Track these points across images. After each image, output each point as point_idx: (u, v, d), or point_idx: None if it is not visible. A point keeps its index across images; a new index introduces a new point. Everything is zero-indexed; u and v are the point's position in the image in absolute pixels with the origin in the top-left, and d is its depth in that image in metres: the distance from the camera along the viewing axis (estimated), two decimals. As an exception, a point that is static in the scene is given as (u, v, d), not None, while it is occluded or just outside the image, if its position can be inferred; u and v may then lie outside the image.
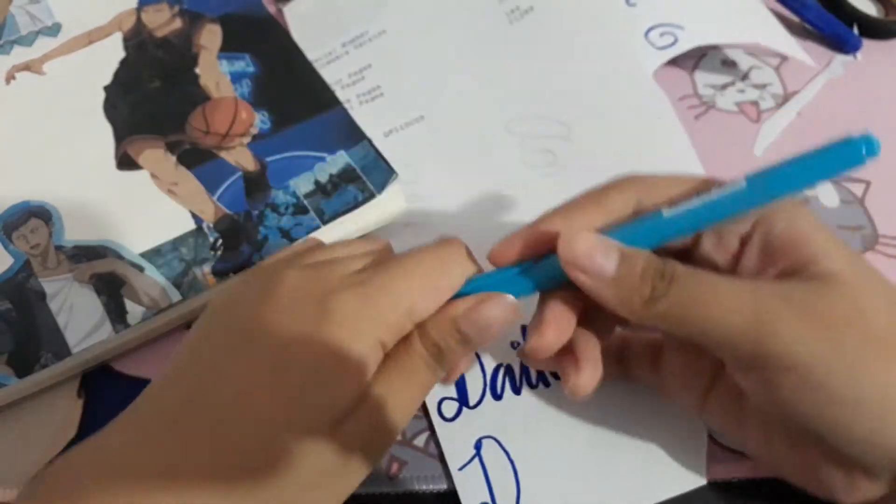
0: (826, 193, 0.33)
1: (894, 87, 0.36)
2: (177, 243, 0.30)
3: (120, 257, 0.30)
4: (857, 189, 0.33)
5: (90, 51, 0.36)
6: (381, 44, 0.37)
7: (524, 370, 0.29)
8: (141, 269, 0.29)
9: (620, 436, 0.27)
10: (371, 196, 0.30)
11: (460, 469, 0.27)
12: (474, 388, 0.28)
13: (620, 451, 0.27)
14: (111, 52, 0.36)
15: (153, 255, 0.30)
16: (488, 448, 0.27)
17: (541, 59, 0.36)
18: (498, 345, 0.29)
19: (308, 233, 0.30)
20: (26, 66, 0.36)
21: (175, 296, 0.29)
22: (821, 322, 0.20)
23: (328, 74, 0.36)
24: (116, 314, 0.29)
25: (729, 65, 0.36)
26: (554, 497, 0.26)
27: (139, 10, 0.37)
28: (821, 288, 0.20)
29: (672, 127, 0.33)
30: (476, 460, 0.27)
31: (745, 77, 0.37)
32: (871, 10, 0.39)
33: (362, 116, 0.34)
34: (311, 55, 0.37)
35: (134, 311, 0.29)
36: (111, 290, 0.29)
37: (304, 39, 0.37)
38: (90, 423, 0.29)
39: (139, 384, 0.30)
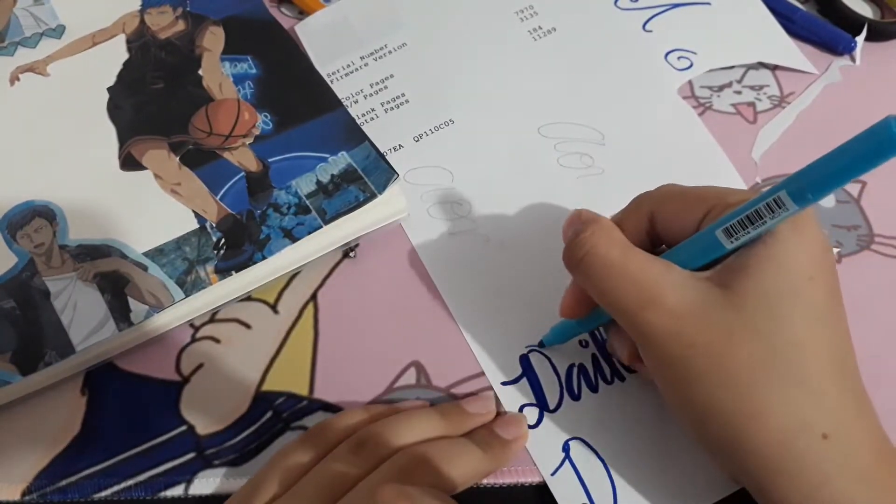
0: (822, 193, 0.33)
1: (893, 88, 0.37)
2: (180, 242, 0.30)
3: (123, 256, 0.30)
4: (854, 189, 0.33)
5: (94, 52, 0.37)
6: (403, 55, 0.37)
7: (597, 367, 0.29)
8: (144, 267, 0.30)
9: None
10: (372, 196, 0.31)
11: (553, 474, 0.27)
12: (552, 392, 0.29)
13: None
14: (115, 54, 0.36)
15: (156, 254, 0.30)
16: (577, 449, 0.28)
17: (568, 72, 0.37)
18: (567, 345, 0.30)
19: (310, 232, 0.30)
20: (30, 68, 0.36)
21: (178, 294, 0.29)
22: (681, 340, 0.22)
23: (347, 86, 0.37)
24: (120, 312, 0.29)
25: (726, 66, 0.37)
26: (651, 490, 0.27)
27: (143, 12, 0.38)
28: (718, 301, 0.22)
29: (702, 136, 0.34)
30: (567, 463, 0.27)
31: (741, 78, 0.37)
32: (868, 12, 0.39)
33: (389, 123, 0.35)
34: (327, 69, 0.37)
35: (137, 309, 0.29)
36: (115, 288, 0.29)
37: (318, 55, 0.38)
38: (94, 421, 0.29)
39: (142, 382, 0.30)
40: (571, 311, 0.26)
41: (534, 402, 0.29)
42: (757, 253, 0.21)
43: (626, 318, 0.23)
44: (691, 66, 0.36)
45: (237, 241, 0.30)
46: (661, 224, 0.25)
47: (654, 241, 0.26)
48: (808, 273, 0.21)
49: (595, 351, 0.30)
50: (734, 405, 0.21)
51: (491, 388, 0.29)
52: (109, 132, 0.34)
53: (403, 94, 0.36)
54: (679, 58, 0.37)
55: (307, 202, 0.31)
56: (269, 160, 0.32)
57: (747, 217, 0.21)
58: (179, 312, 0.30)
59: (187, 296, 0.29)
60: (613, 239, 0.23)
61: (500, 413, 0.28)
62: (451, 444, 0.26)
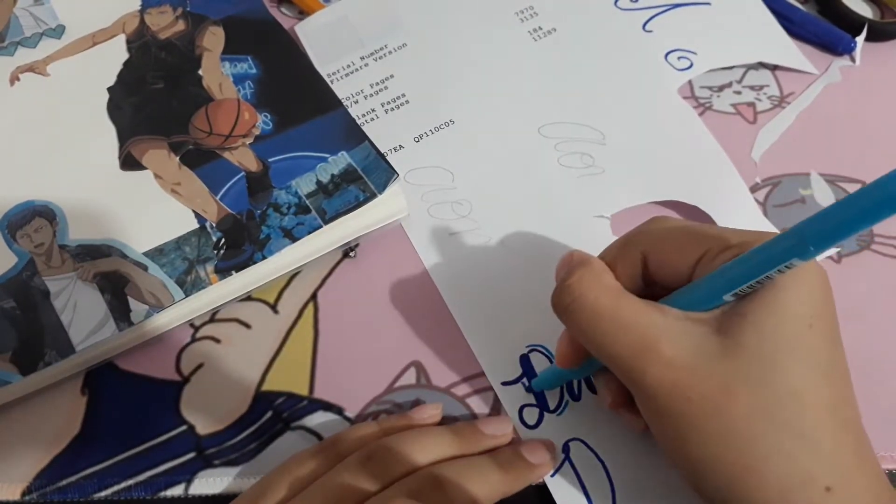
0: (822, 193, 0.33)
1: (893, 88, 0.37)
2: (180, 242, 0.30)
3: (124, 256, 0.30)
4: (853, 189, 0.33)
5: (94, 52, 0.37)
6: (403, 55, 0.37)
7: None
8: (144, 267, 0.30)
9: None
10: (372, 196, 0.31)
11: (552, 475, 0.27)
12: (552, 392, 0.29)
13: None
14: (115, 54, 0.36)
15: (156, 253, 0.30)
16: (577, 450, 0.28)
17: (568, 72, 0.37)
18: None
19: (310, 232, 0.30)
20: (30, 68, 0.36)
21: (178, 294, 0.29)
22: (676, 393, 0.21)
23: (348, 86, 0.37)
24: (120, 312, 0.29)
25: (726, 66, 0.37)
26: (651, 492, 0.27)
27: (143, 12, 0.38)
28: (719, 350, 0.21)
29: (702, 136, 0.34)
30: (567, 464, 0.27)
31: (741, 79, 0.37)
32: (868, 12, 0.39)
33: (389, 123, 0.35)
34: (327, 69, 0.37)
35: (137, 309, 0.29)
36: (115, 288, 0.29)
37: (318, 55, 0.38)
38: (94, 421, 0.29)
39: (142, 382, 0.30)
40: (567, 360, 0.25)
41: (534, 402, 0.29)
42: (756, 300, 0.20)
43: (619, 367, 0.22)
44: (691, 66, 0.36)
45: (237, 241, 0.30)
46: (654, 265, 0.24)
47: (647, 282, 0.24)
48: (808, 321, 0.20)
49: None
50: (732, 459, 0.20)
51: (491, 388, 0.29)
52: (109, 132, 0.34)
53: (404, 95, 0.36)
54: (679, 58, 0.37)
55: (307, 202, 0.31)
56: (269, 160, 0.32)
57: (757, 281, 0.20)
58: (179, 312, 0.30)
59: (187, 296, 0.29)
60: (603, 284, 0.23)
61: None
62: (467, 465, 0.26)
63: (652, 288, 0.24)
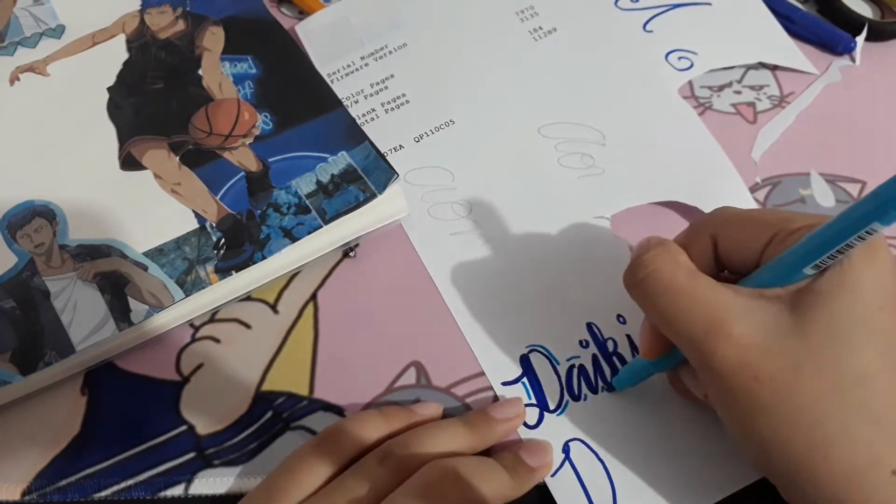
0: (822, 193, 0.33)
1: (893, 88, 0.37)
2: (180, 242, 0.30)
3: (124, 256, 0.30)
4: (853, 189, 0.33)
5: (94, 52, 0.37)
6: (403, 55, 0.37)
7: (597, 368, 0.29)
8: (144, 267, 0.30)
9: (704, 424, 0.28)
10: (372, 196, 0.31)
11: (553, 475, 0.27)
12: (552, 392, 0.29)
13: (705, 439, 0.27)
14: (115, 54, 0.36)
15: (156, 253, 0.30)
16: (577, 451, 0.28)
17: (568, 72, 0.37)
18: (566, 345, 0.30)
19: (310, 232, 0.30)
20: (30, 68, 0.36)
21: (178, 294, 0.29)
22: (746, 372, 0.21)
23: (348, 86, 0.37)
24: (120, 312, 0.29)
25: (726, 67, 0.37)
26: (651, 492, 0.27)
27: (143, 12, 0.38)
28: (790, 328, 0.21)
29: (702, 136, 0.34)
30: (567, 464, 0.27)
31: (741, 78, 0.37)
32: (868, 12, 0.39)
33: (389, 123, 0.35)
34: (327, 69, 0.37)
35: (137, 309, 0.29)
36: (115, 288, 0.29)
37: (318, 55, 0.38)
38: (94, 421, 0.29)
39: (142, 382, 0.30)
40: (651, 351, 0.25)
41: (534, 402, 0.29)
42: (831, 279, 0.21)
43: (689, 345, 0.22)
44: (692, 66, 0.36)
45: (237, 241, 0.30)
46: (724, 249, 0.24)
47: (718, 267, 0.25)
48: (879, 303, 0.21)
49: (595, 351, 0.30)
50: (800, 439, 0.21)
51: (491, 388, 0.29)
52: (109, 132, 0.34)
53: (404, 95, 0.36)
54: (679, 58, 0.37)
55: (307, 202, 0.31)
56: (269, 160, 0.32)
57: (837, 251, 0.20)
58: (179, 312, 0.30)
59: (187, 296, 0.29)
60: (679, 262, 0.23)
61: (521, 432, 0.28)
62: (481, 463, 0.26)
63: (722, 275, 0.25)
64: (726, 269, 0.25)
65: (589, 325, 0.30)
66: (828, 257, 0.20)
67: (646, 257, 0.23)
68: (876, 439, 0.20)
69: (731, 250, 0.24)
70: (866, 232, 0.19)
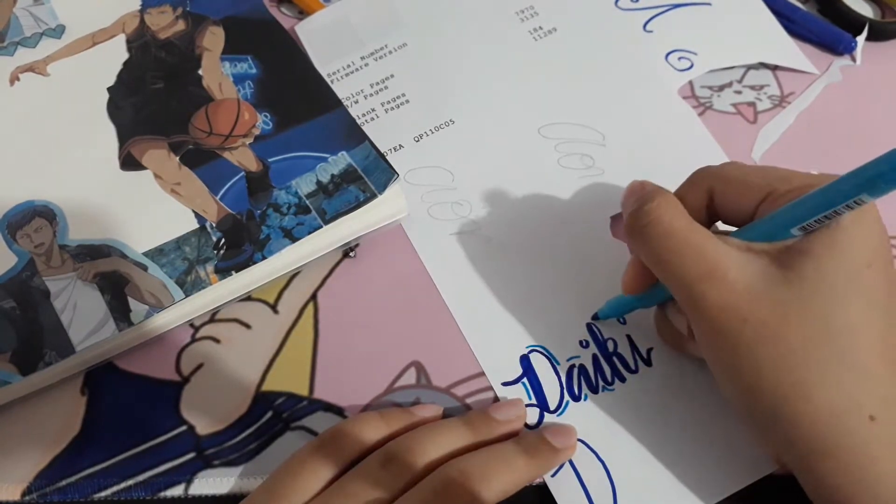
0: (823, 193, 0.33)
1: (893, 88, 0.37)
2: (180, 242, 0.30)
3: (123, 256, 0.30)
4: (854, 189, 0.33)
5: (94, 52, 0.37)
6: (403, 55, 0.37)
7: (597, 368, 0.29)
8: (144, 267, 0.30)
9: (704, 424, 0.28)
10: (372, 196, 0.31)
11: (553, 476, 0.27)
12: (552, 392, 0.29)
13: (705, 440, 0.27)
14: (115, 54, 0.36)
15: (156, 254, 0.30)
16: (577, 451, 0.28)
17: (568, 72, 0.36)
18: (566, 345, 0.30)
19: (310, 232, 0.30)
20: (30, 68, 0.36)
21: (178, 294, 0.29)
22: (735, 314, 0.22)
23: (348, 86, 0.37)
24: (120, 312, 0.29)
25: (726, 67, 0.37)
26: (651, 492, 0.27)
27: (143, 12, 0.38)
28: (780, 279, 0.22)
29: (702, 136, 0.34)
30: (567, 464, 0.27)
31: (742, 78, 0.37)
32: (868, 12, 0.39)
33: (389, 123, 0.35)
34: (327, 69, 0.37)
35: (137, 309, 0.29)
36: (115, 288, 0.29)
37: (318, 55, 0.38)
38: (94, 421, 0.29)
39: (142, 382, 0.30)
40: (632, 286, 0.26)
41: (534, 402, 0.29)
42: (820, 238, 0.22)
43: (683, 288, 0.23)
44: (692, 66, 0.36)
45: (237, 241, 0.30)
46: (719, 202, 0.25)
47: (711, 218, 0.26)
48: (867, 261, 0.22)
49: (595, 351, 0.30)
50: (783, 380, 0.21)
51: (491, 388, 0.29)
52: (109, 132, 0.34)
53: (404, 95, 0.36)
54: (679, 58, 0.37)
55: (307, 202, 0.31)
56: (269, 160, 0.32)
57: (825, 216, 0.21)
58: (179, 312, 0.30)
59: (187, 296, 0.29)
60: (679, 210, 0.24)
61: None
62: (489, 456, 0.26)
63: (712, 226, 0.26)
64: (720, 220, 0.26)
65: (589, 325, 0.30)
66: (815, 221, 0.21)
67: (649, 206, 0.24)
68: (856, 387, 0.21)
69: (726, 203, 0.25)
70: (854, 202, 0.20)
